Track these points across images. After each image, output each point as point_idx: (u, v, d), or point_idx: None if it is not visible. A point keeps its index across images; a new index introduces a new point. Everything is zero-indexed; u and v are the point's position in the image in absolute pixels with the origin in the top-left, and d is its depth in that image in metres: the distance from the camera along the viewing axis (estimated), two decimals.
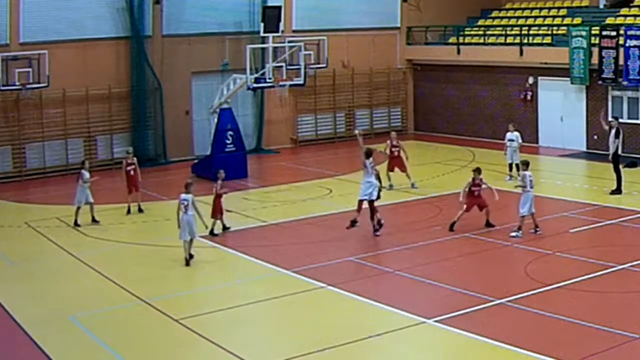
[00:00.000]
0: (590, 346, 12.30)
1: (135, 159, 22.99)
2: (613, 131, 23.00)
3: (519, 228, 18.67)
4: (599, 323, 13.09)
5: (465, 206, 19.39)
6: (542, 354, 11.95)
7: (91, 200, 21.41)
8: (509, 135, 25.03)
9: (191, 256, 17.65)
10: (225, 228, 20.27)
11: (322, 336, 13.18)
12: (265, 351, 13.03)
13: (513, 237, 18.52)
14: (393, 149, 24.51)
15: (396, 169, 24.46)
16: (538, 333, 12.91)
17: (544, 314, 13.67)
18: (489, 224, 19.47)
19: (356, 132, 21.67)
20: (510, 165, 24.85)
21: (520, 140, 25.05)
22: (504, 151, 25.16)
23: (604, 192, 22.91)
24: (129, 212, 22.59)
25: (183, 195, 17.50)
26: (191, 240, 17.57)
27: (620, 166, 23.20)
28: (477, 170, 19.65)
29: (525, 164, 19.19)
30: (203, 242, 19.21)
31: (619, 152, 23.08)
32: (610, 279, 15.59)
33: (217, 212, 19.96)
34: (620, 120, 24.91)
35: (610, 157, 23.01)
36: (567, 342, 12.52)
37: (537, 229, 18.79)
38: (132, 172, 22.65)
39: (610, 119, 25.19)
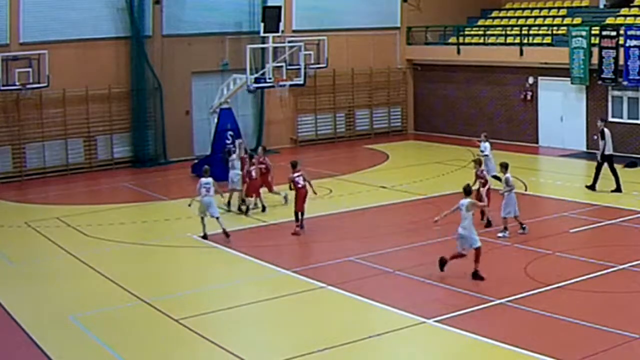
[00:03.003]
0: (590, 346, 12.29)
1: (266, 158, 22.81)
2: (599, 133, 23.09)
3: (505, 228, 18.68)
4: (599, 323, 13.08)
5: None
6: (542, 354, 11.95)
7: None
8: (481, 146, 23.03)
9: (226, 233, 19.18)
10: (263, 208, 21.91)
11: (322, 336, 13.18)
12: (265, 351, 13.03)
13: (500, 237, 18.52)
14: (261, 167, 22.19)
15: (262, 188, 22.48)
16: (538, 333, 12.91)
17: (544, 314, 13.66)
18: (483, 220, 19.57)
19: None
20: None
21: (488, 152, 22.63)
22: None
23: (604, 191, 22.91)
24: (263, 209, 22.07)
25: (203, 180, 19.14)
26: (217, 218, 19.18)
27: (615, 165, 23.17)
28: (476, 161, 19.90)
29: (505, 167, 18.95)
30: (203, 243, 19.22)
31: (608, 151, 22.91)
32: (610, 279, 15.59)
33: (251, 191, 21.69)
34: (620, 120, 24.88)
35: (598, 157, 23.00)
36: (567, 342, 12.52)
37: (524, 227, 18.77)
38: (262, 170, 22.17)
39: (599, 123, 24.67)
